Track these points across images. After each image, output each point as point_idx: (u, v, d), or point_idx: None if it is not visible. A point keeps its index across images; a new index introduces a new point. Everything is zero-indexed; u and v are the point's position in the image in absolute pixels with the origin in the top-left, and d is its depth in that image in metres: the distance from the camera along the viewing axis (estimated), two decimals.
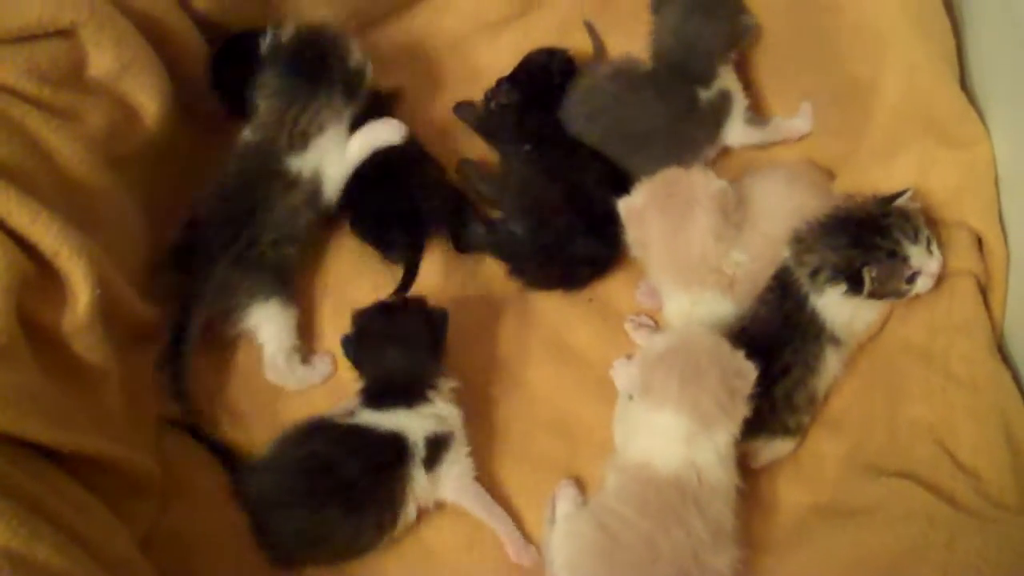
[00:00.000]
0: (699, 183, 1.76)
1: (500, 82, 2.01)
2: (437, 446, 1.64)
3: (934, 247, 1.65)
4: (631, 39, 2.03)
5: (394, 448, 1.61)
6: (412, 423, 1.64)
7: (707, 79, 1.92)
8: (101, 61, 1.67)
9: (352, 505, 1.58)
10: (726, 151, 2.02)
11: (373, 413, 1.65)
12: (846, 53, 1.78)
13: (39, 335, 1.49)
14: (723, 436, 1.54)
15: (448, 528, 1.69)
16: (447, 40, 2.10)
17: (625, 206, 1.79)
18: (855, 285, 1.63)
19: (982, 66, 1.68)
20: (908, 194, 1.67)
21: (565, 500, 1.65)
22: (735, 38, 1.93)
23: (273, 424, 1.72)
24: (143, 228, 1.82)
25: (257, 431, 1.75)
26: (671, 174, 1.79)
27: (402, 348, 1.68)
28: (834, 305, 1.68)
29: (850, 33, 1.75)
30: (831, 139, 1.92)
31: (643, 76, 1.96)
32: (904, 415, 1.61)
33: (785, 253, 1.72)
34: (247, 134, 1.85)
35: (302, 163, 1.83)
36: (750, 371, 1.54)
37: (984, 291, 1.66)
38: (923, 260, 1.63)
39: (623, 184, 1.88)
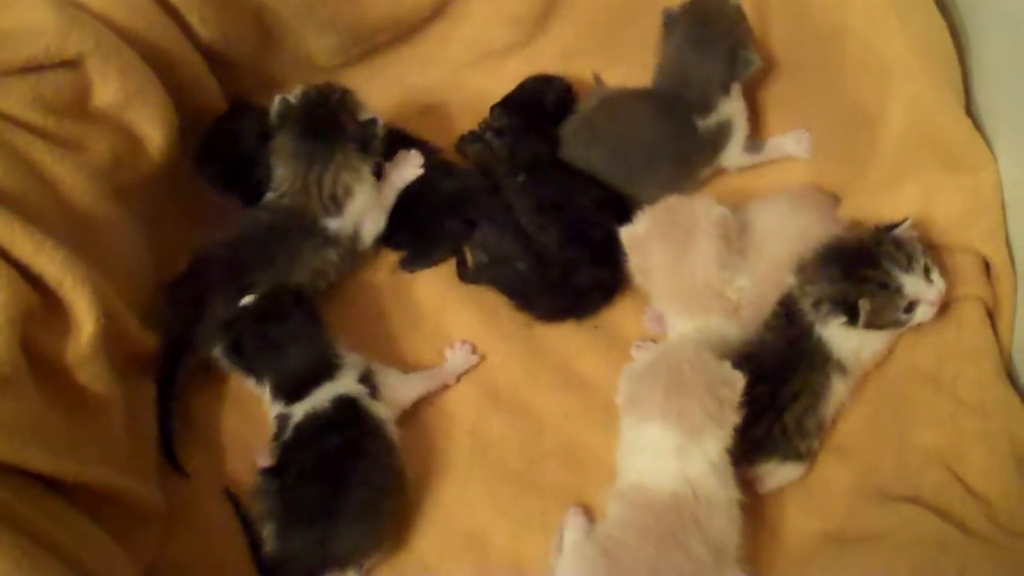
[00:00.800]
0: (701, 211, 1.77)
1: (493, 108, 2.02)
2: (368, 380, 1.70)
3: (934, 275, 1.64)
4: (634, 69, 2.03)
5: (347, 410, 1.66)
6: (340, 385, 1.68)
7: (704, 110, 1.92)
8: (106, 92, 1.67)
9: (350, 474, 1.61)
10: (728, 174, 2.02)
11: (305, 403, 1.67)
12: (851, 80, 1.78)
13: (43, 365, 1.48)
14: (713, 445, 1.53)
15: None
16: (452, 68, 2.11)
17: (627, 234, 1.80)
18: (852, 317, 1.62)
19: (987, 91, 1.68)
20: (907, 223, 1.66)
21: (573, 529, 1.63)
22: (733, 72, 1.92)
23: None
24: (147, 258, 1.82)
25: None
26: (673, 202, 1.79)
27: (296, 335, 1.71)
28: (839, 335, 1.67)
29: (855, 60, 1.75)
30: (837, 166, 1.92)
31: (642, 100, 1.97)
32: (913, 441, 1.60)
33: (790, 280, 1.71)
34: (272, 196, 1.85)
35: (340, 224, 1.85)
36: (737, 379, 1.54)
37: (992, 316, 1.65)
38: (919, 289, 1.62)
39: (622, 208, 1.89)
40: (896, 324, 1.65)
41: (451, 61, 2.12)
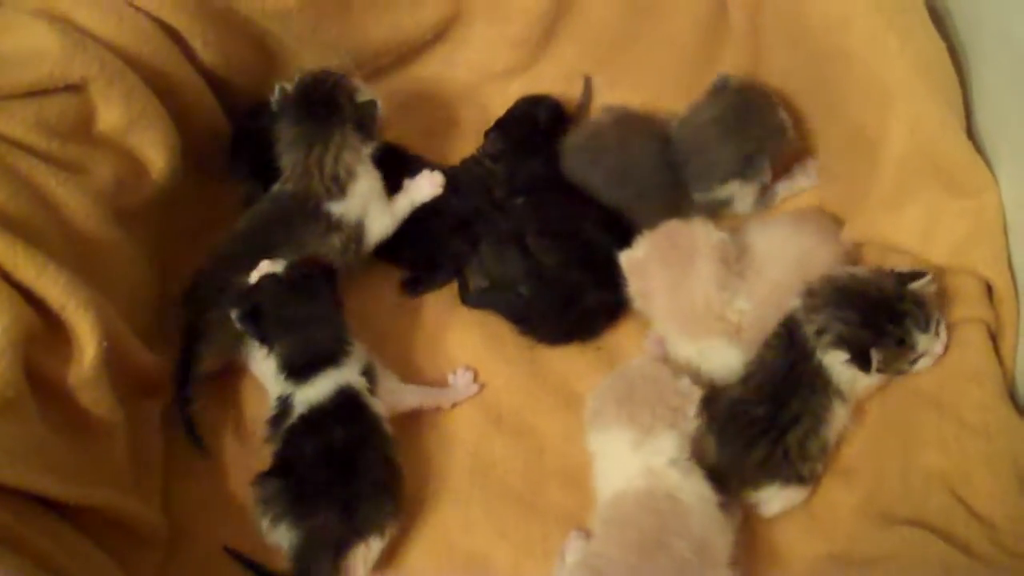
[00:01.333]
0: (700, 234, 1.77)
1: (487, 133, 2.03)
2: (369, 374, 1.72)
3: (941, 329, 1.65)
4: (636, 91, 2.06)
5: (348, 403, 1.67)
6: (345, 374, 1.69)
7: (700, 189, 1.93)
8: (110, 116, 1.68)
9: (359, 461, 1.63)
10: None
11: (307, 387, 1.68)
12: (852, 102, 1.78)
13: (45, 388, 1.48)
14: (668, 442, 1.57)
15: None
16: (456, 91, 2.12)
17: (627, 259, 1.80)
18: (861, 362, 1.62)
19: (988, 114, 1.68)
20: (927, 279, 1.66)
21: (574, 552, 1.63)
22: (743, 174, 1.90)
23: None
24: (150, 281, 1.82)
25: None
26: (672, 226, 1.80)
27: (317, 312, 1.72)
28: (837, 365, 1.66)
29: (855, 82, 1.75)
30: (839, 188, 1.92)
31: (652, 136, 1.96)
32: (917, 463, 1.60)
33: (795, 303, 1.70)
34: (278, 187, 1.87)
35: (344, 209, 1.85)
36: (692, 392, 1.60)
37: (994, 338, 1.65)
38: (929, 345, 1.64)
39: (623, 228, 1.90)
40: (897, 373, 1.66)
41: (454, 84, 2.13)
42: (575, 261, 1.88)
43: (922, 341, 1.63)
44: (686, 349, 1.79)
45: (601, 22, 2.09)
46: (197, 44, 1.83)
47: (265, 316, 1.69)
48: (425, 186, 1.92)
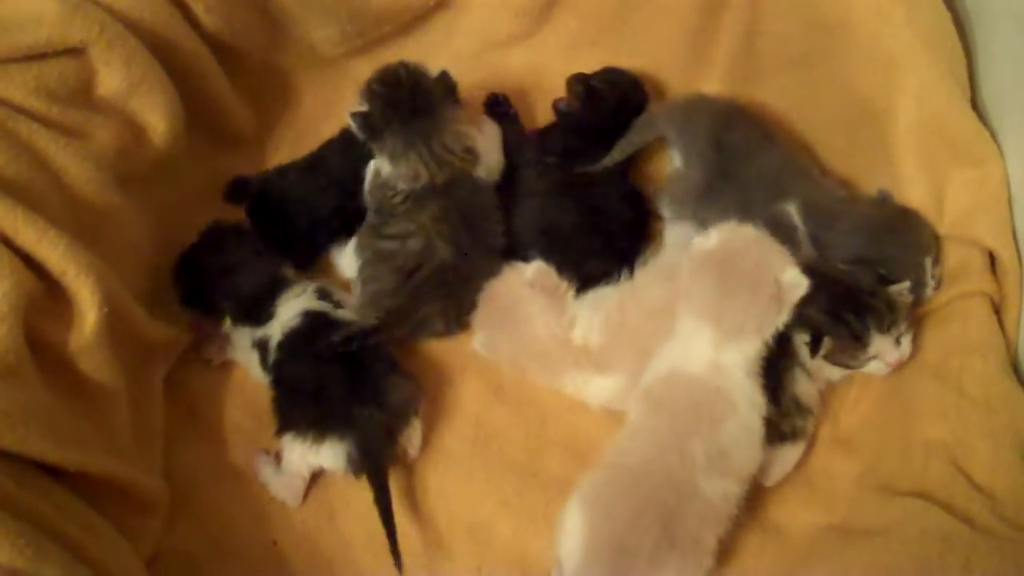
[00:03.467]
0: (513, 281, 1.78)
1: (572, 83, 2.01)
2: (327, 297, 1.80)
3: (906, 340, 1.66)
4: (636, 60, 2.05)
5: (321, 321, 1.75)
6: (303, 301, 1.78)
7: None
8: (110, 80, 1.66)
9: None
10: None
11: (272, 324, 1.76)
12: (858, 74, 1.77)
13: (46, 354, 1.48)
14: (751, 346, 1.56)
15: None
16: (456, 59, 2.08)
17: (478, 344, 1.80)
18: (813, 346, 1.64)
19: (994, 84, 1.68)
20: (905, 286, 1.67)
21: None
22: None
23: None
24: (152, 248, 1.81)
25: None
26: (491, 290, 1.79)
27: (244, 263, 1.82)
28: (799, 342, 1.66)
29: (862, 54, 1.75)
30: (844, 161, 1.91)
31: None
32: (919, 435, 1.60)
33: None
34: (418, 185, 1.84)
35: (486, 172, 1.90)
36: (796, 285, 1.54)
37: (998, 311, 1.65)
38: (884, 349, 1.65)
39: (643, 205, 1.92)
40: (846, 367, 1.67)
41: (455, 52, 2.10)
42: (587, 229, 1.87)
43: (877, 342, 1.64)
44: (600, 385, 1.76)
45: None
46: (199, 8, 1.81)
47: (202, 286, 1.81)
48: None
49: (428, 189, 1.82)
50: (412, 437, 1.72)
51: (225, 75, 1.94)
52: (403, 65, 1.83)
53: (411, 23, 2.08)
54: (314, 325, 1.73)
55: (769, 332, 1.56)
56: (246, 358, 1.80)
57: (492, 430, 1.79)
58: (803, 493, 1.68)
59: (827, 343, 1.62)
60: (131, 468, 1.54)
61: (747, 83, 1.99)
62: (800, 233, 1.77)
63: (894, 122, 1.71)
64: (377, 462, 1.63)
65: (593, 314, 1.76)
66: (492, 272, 1.81)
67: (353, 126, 1.81)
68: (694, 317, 1.58)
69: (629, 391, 1.68)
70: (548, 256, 1.84)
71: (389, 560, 1.60)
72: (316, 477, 1.72)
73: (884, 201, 1.78)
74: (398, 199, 1.84)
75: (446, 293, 1.81)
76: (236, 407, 1.81)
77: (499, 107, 2.07)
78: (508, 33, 2.10)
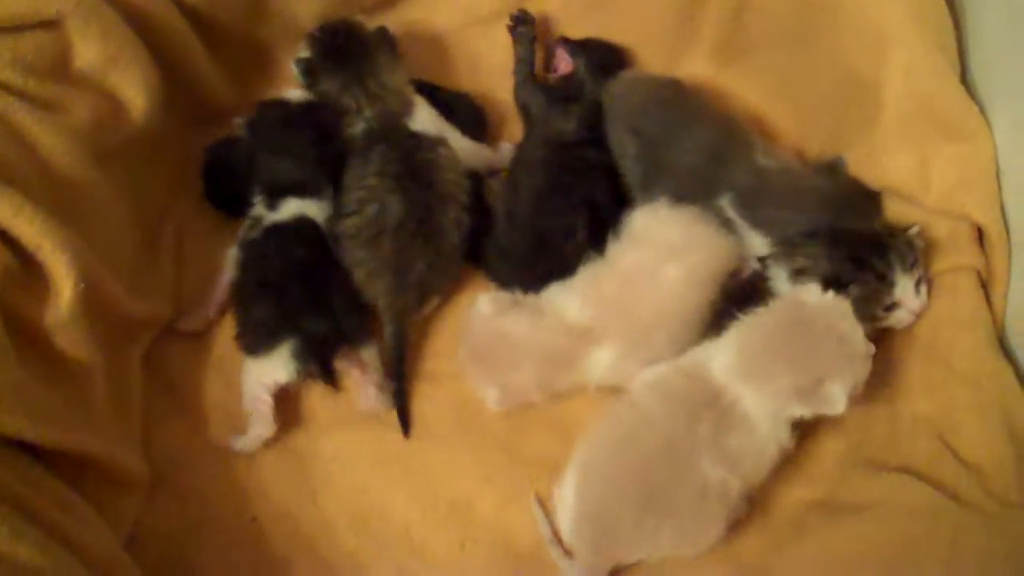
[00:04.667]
0: (480, 324, 1.74)
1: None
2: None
3: (923, 289, 1.64)
4: (621, 36, 2.03)
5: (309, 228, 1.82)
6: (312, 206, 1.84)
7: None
8: (87, 53, 1.63)
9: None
10: None
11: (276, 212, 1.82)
12: (847, 49, 1.76)
13: (21, 330, 1.45)
14: (788, 405, 1.52)
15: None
16: (440, 34, 2.07)
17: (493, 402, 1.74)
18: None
19: (982, 59, 1.67)
20: (915, 229, 1.66)
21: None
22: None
23: None
24: (130, 224, 1.78)
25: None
26: (469, 344, 1.76)
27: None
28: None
29: (850, 29, 1.74)
30: (832, 135, 1.89)
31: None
32: (906, 410, 1.60)
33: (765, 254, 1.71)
34: (358, 129, 1.87)
35: (422, 126, 1.88)
36: (869, 351, 1.51)
37: (985, 285, 1.65)
38: (907, 294, 1.63)
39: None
40: (870, 319, 1.61)
41: (439, 27, 2.07)
42: (546, 209, 1.83)
43: (901, 282, 1.61)
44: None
45: None
46: None
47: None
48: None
49: (370, 139, 1.85)
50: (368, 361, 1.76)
51: (205, 49, 1.91)
52: (343, 19, 1.91)
53: None
54: (303, 228, 1.80)
55: (818, 402, 1.50)
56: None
57: (476, 406, 1.76)
58: (789, 469, 1.65)
59: (853, 291, 1.58)
60: (109, 446, 1.52)
61: (734, 60, 1.98)
62: (739, 225, 1.76)
63: (883, 97, 1.71)
64: (325, 360, 1.70)
65: (572, 294, 1.74)
66: (459, 224, 1.82)
67: (295, 72, 1.88)
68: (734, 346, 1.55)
69: (622, 361, 1.67)
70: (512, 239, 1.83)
71: (373, 540, 1.60)
72: (299, 456, 1.71)
73: (834, 169, 1.78)
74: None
75: (421, 247, 1.78)
76: (216, 384, 1.78)
77: (523, 26, 2.04)
78: (491, 9, 2.07)
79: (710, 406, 1.52)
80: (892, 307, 1.63)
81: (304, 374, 1.69)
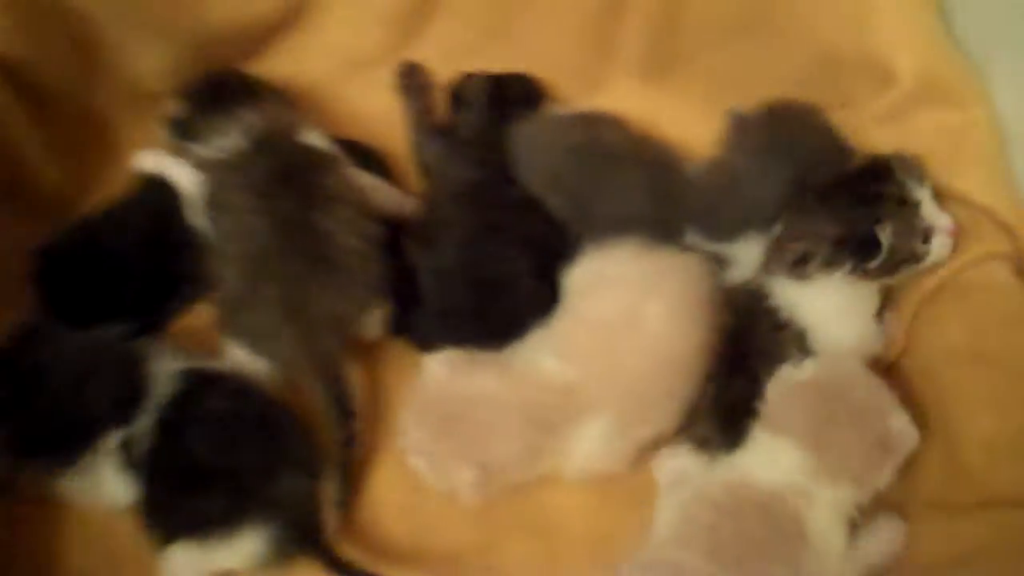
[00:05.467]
0: (435, 391, 1.43)
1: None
2: None
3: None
4: (536, 62, 1.79)
5: None
6: None
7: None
8: None
9: None
10: None
11: None
12: (825, 22, 1.57)
13: None
14: (845, 494, 1.28)
15: None
16: (313, 83, 1.79)
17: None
18: (869, 251, 1.38)
19: (977, 23, 1.49)
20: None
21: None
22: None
23: None
24: None
25: None
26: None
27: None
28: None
29: (822, 4, 1.56)
30: None
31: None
32: (968, 434, 1.34)
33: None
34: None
35: None
36: (911, 433, 1.29)
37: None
38: (933, 212, 1.41)
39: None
40: (915, 259, 1.40)
41: (310, 78, 1.79)
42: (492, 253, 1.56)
43: (925, 199, 1.40)
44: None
45: None
46: None
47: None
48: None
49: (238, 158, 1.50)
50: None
51: (28, 122, 1.59)
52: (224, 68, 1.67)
53: (258, 43, 1.76)
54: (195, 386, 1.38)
55: (868, 485, 1.28)
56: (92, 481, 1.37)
57: (425, 521, 1.45)
58: None
59: (884, 228, 1.37)
60: None
61: (667, 72, 1.76)
62: (718, 250, 1.56)
63: (871, 68, 1.53)
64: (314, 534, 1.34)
65: (543, 351, 1.43)
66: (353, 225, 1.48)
67: (167, 134, 1.58)
68: (785, 439, 1.31)
69: (617, 439, 1.39)
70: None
71: None
72: None
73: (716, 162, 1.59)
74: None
75: (308, 266, 1.44)
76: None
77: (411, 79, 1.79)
78: (375, 47, 1.79)
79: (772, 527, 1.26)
80: (928, 235, 1.40)
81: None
